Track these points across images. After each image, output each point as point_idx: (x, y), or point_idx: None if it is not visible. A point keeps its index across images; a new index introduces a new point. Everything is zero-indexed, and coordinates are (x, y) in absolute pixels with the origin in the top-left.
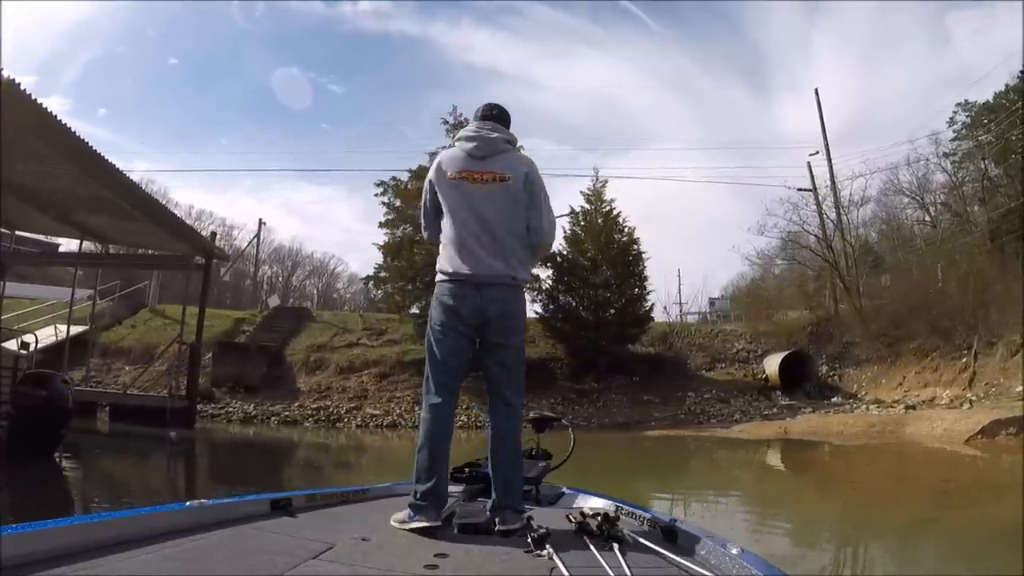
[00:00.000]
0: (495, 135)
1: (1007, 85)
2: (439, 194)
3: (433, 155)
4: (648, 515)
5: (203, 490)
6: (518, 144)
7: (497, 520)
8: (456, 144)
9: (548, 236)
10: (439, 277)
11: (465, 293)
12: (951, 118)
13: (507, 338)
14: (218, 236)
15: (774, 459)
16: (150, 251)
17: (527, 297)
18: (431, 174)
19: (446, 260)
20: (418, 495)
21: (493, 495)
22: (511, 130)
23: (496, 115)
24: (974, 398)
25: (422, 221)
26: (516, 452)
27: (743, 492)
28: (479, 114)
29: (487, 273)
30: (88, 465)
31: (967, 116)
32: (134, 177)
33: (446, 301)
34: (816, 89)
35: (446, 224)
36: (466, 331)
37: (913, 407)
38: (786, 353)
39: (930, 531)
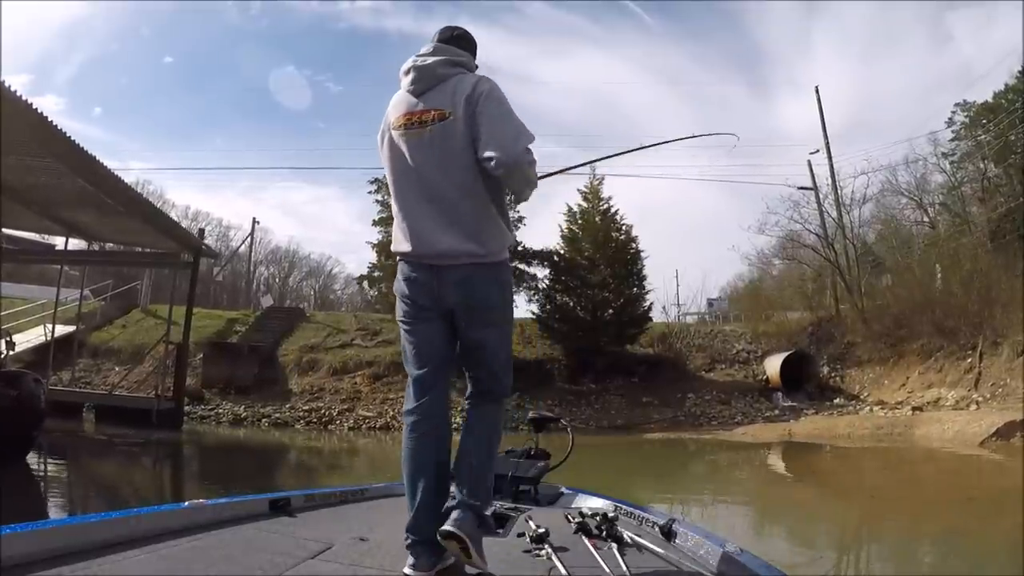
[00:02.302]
0: (432, 59)
1: (1007, 84)
2: (382, 152)
3: None
4: (647, 515)
5: (177, 498)
6: (475, 67)
7: (450, 519)
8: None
9: (512, 157)
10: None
11: (419, 277)
12: (950, 118)
13: (478, 330)
14: (215, 237)
15: (782, 464)
16: (138, 248)
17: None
18: (380, 128)
19: (396, 235)
20: (406, 530)
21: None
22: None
23: (455, 37)
24: (980, 399)
25: None
26: (486, 441)
27: (753, 501)
28: (433, 39)
29: (440, 251)
30: (59, 469)
31: (966, 116)
32: (130, 177)
33: (401, 288)
34: (816, 87)
35: (391, 189)
36: (428, 318)
37: (920, 408)
38: (787, 354)
39: (964, 545)
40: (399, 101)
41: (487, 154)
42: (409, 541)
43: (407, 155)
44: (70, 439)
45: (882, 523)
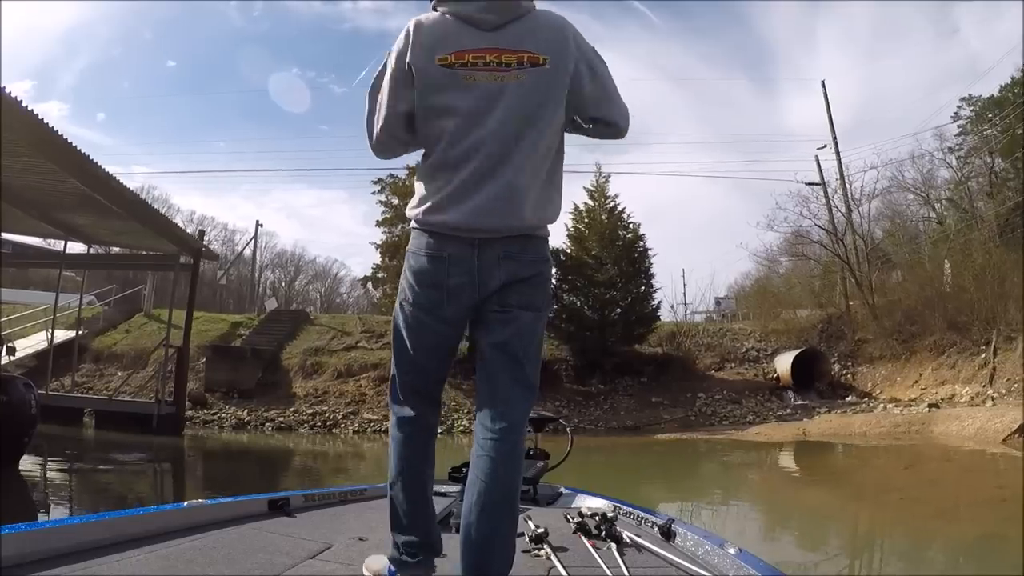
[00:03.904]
0: None
1: (1012, 78)
2: (421, 91)
3: None
4: (646, 515)
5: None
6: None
7: None
8: (442, 7)
9: (627, 130)
10: (414, 225)
11: (456, 255)
12: (955, 112)
13: (511, 310)
14: (220, 242)
15: (800, 465)
16: (138, 251)
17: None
18: (404, 50)
19: (432, 201)
20: (400, 548)
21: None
22: None
23: None
24: (996, 395)
25: (376, 119)
26: (509, 497)
27: (775, 504)
28: None
29: (497, 225)
30: (50, 475)
31: (971, 110)
32: (135, 182)
33: (423, 267)
34: (823, 81)
35: (434, 142)
36: (454, 314)
37: (936, 405)
38: (798, 351)
39: (1005, 551)
40: (453, 31)
41: (613, 119)
42: (398, 555)
43: (468, 101)
44: (64, 443)
45: (913, 527)
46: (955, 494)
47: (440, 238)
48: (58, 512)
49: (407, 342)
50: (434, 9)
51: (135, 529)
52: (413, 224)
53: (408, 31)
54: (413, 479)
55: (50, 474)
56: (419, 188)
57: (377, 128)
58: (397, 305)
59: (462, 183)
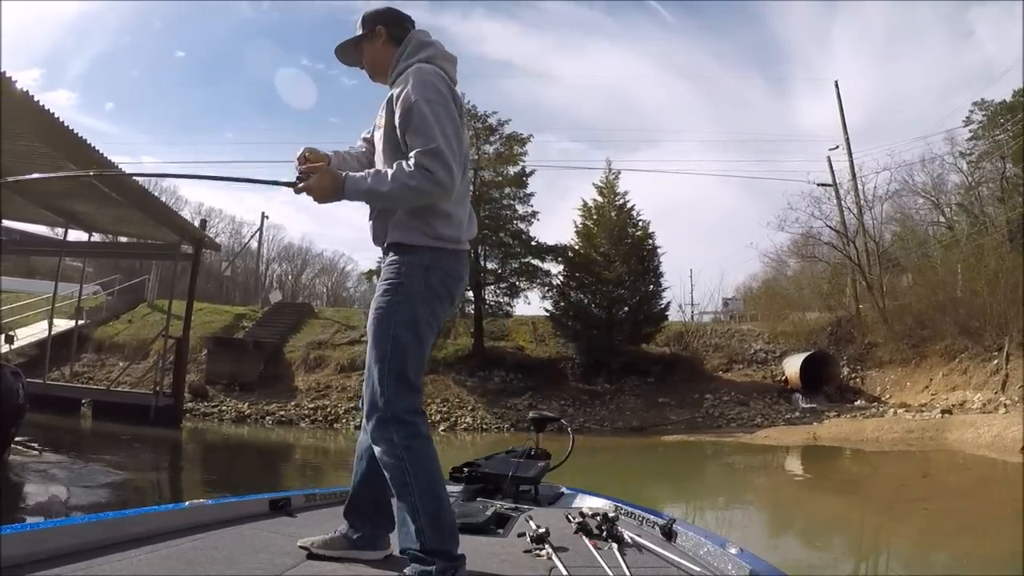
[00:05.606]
0: None
1: None
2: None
3: None
4: (647, 515)
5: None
6: None
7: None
8: (440, 63)
9: None
10: (438, 244)
11: (465, 272)
12: (967, 117)
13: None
14: (228, 234)
15: (812, 471)
16: (139, 240)
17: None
18: (455, 102)
19: (456, 222)
20: (452, 564)
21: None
22: None
23: None
24: (1008, 402)
25: (454, 156)
26: None
27: (790, 514)
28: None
29: None
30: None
31: (983, 115)
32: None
33: (451, 283)
34: (836, 82)
35: (462, 170)
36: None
37: (949, 411)
38: (807, 354)
39: None
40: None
41: None
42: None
43: (466, 148)
44: (53, 435)
45: (945, 542)
46: (978, 506)
47: (463, 254)
48: (45, 507)
49: (425, 346)
50: (427, 62)
51: (136, 529)
52: (442, 242)
53: (450, 86)
54: (436, 470)
55: (36, 465)
56: (449, 208)
57: (459, 172)
58: (418, 313)
59: (468, 212)
